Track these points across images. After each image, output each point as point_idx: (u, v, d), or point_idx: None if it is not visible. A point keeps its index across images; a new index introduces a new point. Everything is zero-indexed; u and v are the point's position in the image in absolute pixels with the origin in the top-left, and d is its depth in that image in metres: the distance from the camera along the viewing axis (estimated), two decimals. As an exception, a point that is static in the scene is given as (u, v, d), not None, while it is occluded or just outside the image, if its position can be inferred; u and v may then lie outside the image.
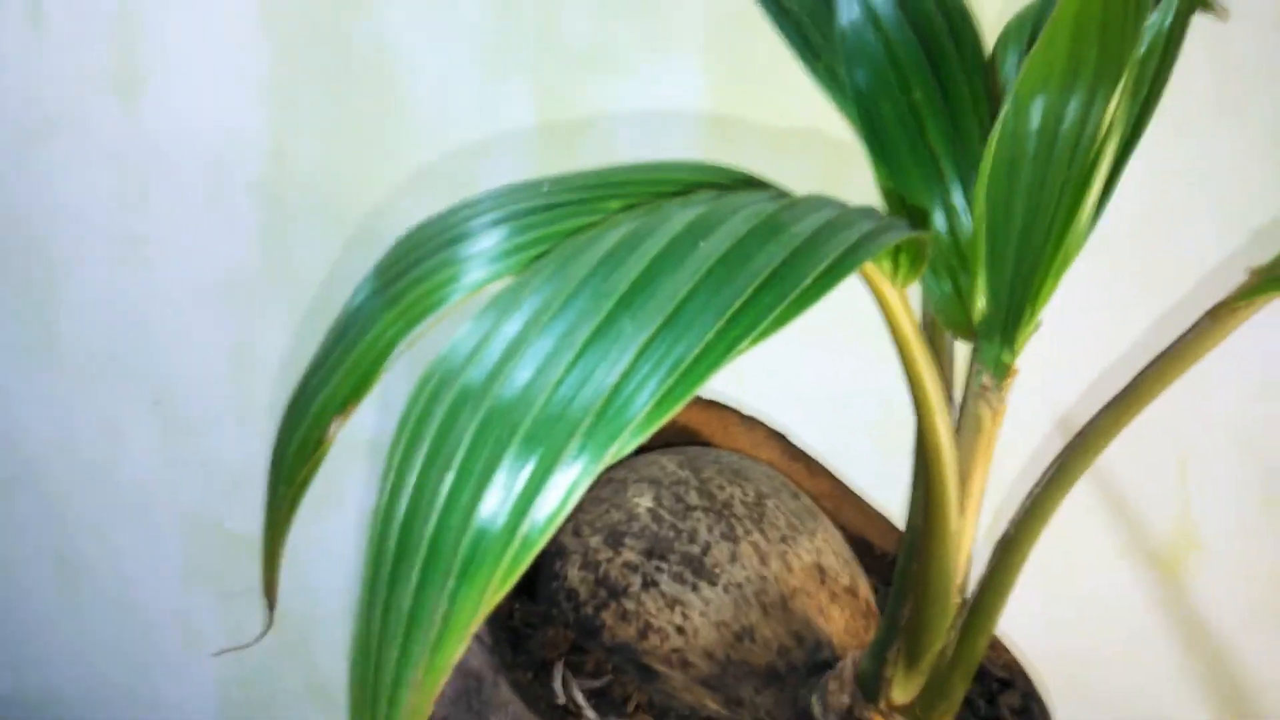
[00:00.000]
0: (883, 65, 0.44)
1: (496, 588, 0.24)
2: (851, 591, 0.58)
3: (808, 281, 0.27)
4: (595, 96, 0.67)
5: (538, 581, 0.60)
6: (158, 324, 0.75)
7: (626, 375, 0.25)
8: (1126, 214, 0.69)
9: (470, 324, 0.29)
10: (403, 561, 0.26)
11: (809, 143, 0.69)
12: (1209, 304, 0.41)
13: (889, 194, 0.45)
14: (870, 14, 0.45)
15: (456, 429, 0.27)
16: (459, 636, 0.25)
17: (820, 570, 0.57)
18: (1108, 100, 0.37)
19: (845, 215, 0.31)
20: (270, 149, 0.71)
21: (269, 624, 0.41)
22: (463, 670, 0.53)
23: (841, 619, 0.57)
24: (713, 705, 0.53)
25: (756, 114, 0.68)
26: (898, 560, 0.49)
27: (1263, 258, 0.41)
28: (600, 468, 0.24)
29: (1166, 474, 0.71)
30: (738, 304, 0.26)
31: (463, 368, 0.28)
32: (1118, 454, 0.66)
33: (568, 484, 0.24)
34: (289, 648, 0.79)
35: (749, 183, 0.37)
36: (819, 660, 0.55)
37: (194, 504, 0.79)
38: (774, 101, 0.69)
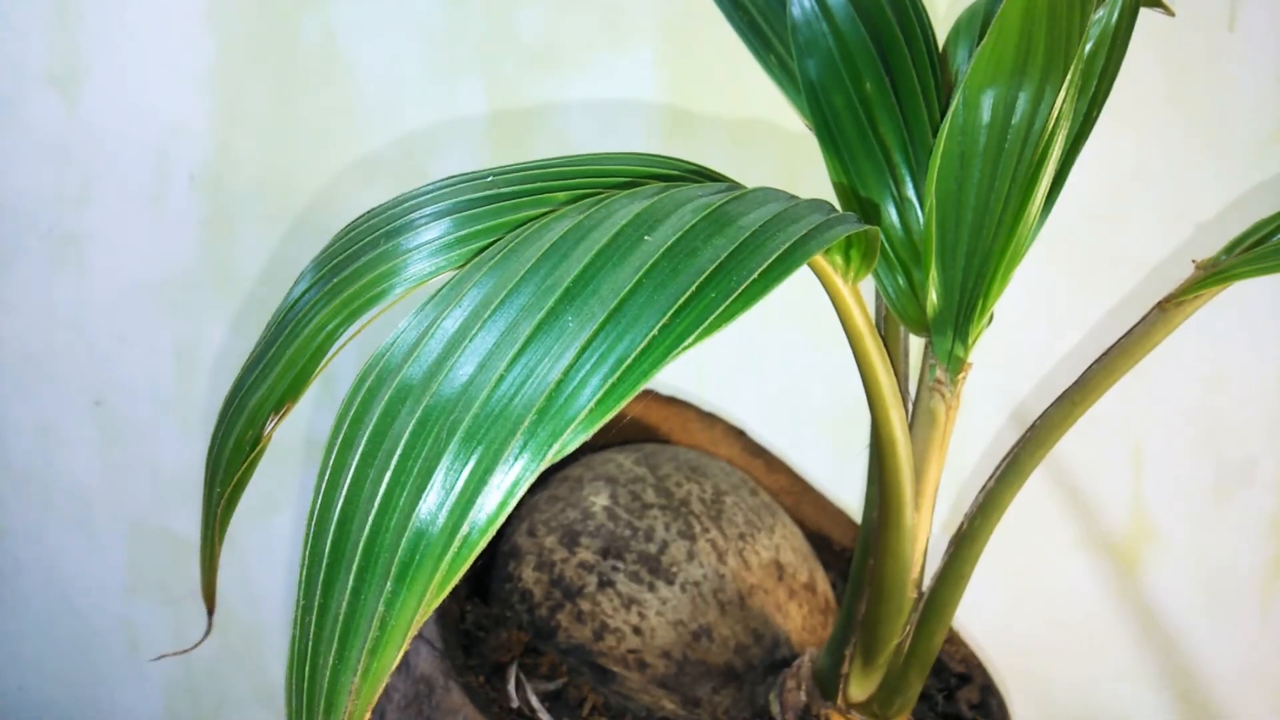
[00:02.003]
0: (834, 57, 0.44)
1: (435, 591, 0.24)
2: (810, 588, 0.58)
3: (754, 276, 0.27)
4: (547, 89, 0.66)
5: (491, 583, 0.59)
6: (97, 323, 0.73)
7: (569, 372, 0.25)
8: (1077, 208, 0.69)
9: (410, 319, 0.28)
10: (338, 563, 0.25)
11: (764, 136, 0.68)
12: (1159, 296, 0.41)
13: (841, 187, 0.44)
14: (822, 5, 0.45)
15: (395, 427, 0.26)
16: (397, 641, 0.24)
17: (779, 567, 0.57)
18: (1056, 94, 0.37)
19: (794, 208, 0.31)
20: (215, 143, 0.70)
21: (209, 629, 0.39)
22: (413, 675, 0.52)
23: (799, 615, 0.57)
24: (670, 706, 0.53)
25: (711, 107, 0.68)
26: (854, 556, 0.49)
27: (1208, 250, 0.42)
28: (542, 467, 0.24)
29: (1120, 466, 0.71)
30: (682, 299, 0.26)
31: (402, 364, 0.27)
32: (1071, 446, 0.66)
33: (509, 483, 0.24)
34: (236, 653, 0.78)
35: (700, 175, 0.37)
36: (777, 658, 0.55)
37: (137, 507, 0.77)
38: (728, 94, 0.68)
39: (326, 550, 0.25)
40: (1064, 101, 0.37)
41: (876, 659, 0.47)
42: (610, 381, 0.24)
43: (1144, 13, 0.61)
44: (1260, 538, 0.71)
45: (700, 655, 0.53)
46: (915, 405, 0.45)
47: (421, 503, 0.24)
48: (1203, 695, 0.73)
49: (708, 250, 0.27)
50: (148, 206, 0.70)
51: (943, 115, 0.46)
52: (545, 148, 0.67)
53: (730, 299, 0.26)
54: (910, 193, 0.44)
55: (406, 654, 0.54)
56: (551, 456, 0.24)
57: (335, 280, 0.32)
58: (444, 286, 0.29)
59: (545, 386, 0.25)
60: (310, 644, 0.25)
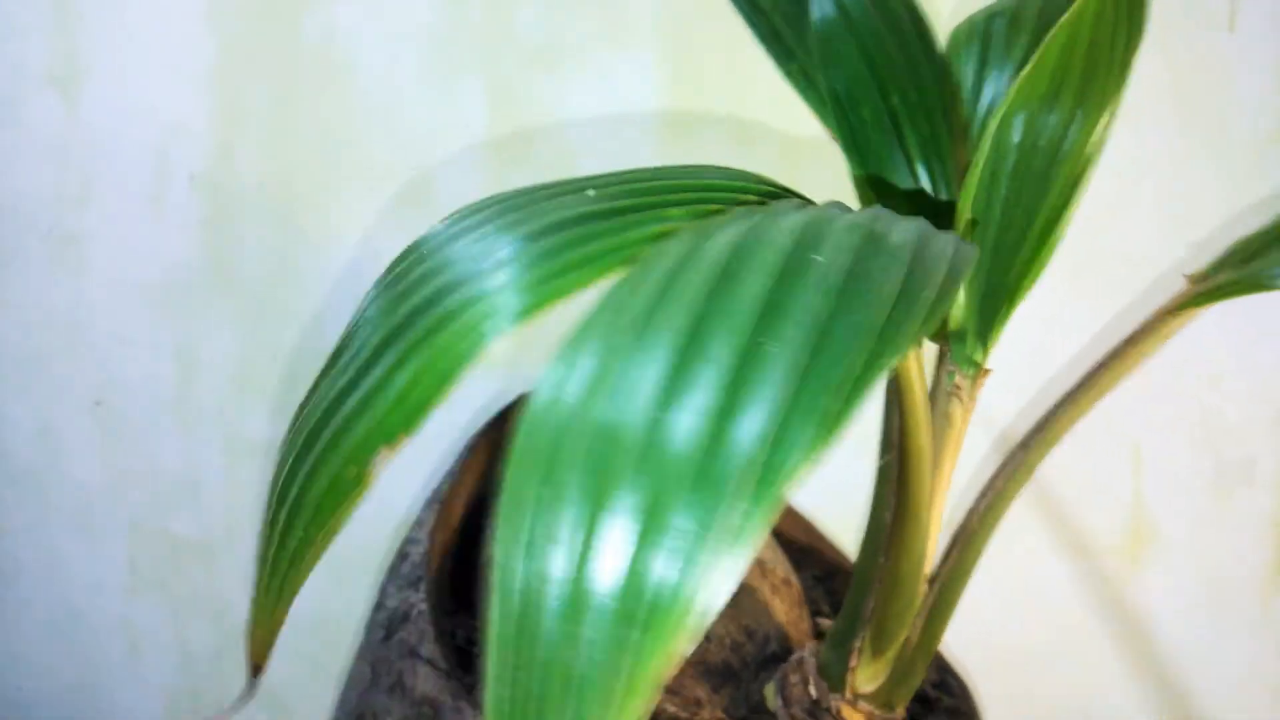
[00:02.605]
0: (861, 70, 0.45)
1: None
2: (787, 582, 0.60)
3: (934, 297, 0.27)
4: (548, 90, 0.64)
5: (474, 596, 0.56)
6: (97, 323, 0.69)
7: (795, 401, 0.24)
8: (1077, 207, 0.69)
9: (572, 359, 0.26)
10: (563, 618, 0.24)
11: (764, 136, 0.68)
12: (1152, 304, 0.45)
13: (866, 196, 0.45)
14: (845, 17, 0.45)
15: (611, 479, 0.24)
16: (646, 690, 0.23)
17: (760, 564, 0.58)
18: (1094, 122, 0.39)
19: (919, 225, 0.31)
20: (215, 143, 0.67)
21: (254, 689, 0.36)
22: (411, 698, 0.50)
23: (783, 610, 0.58)
24: (671, 709, 0.53)
25: (711, 106, 0.67)
26: (859, 554, 0.50)
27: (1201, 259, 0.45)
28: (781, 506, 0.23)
29: (1119, 466, 0.71)
30: (882, 322, 0.26)
31: (587, 410, 0.25)
32: (1070, 446, 0.66)
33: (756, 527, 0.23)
34: (237, 654, 0.74)
35: (778, 189, 0.37)
36: (768, 654, 0.56)
37: (137, 507, 0.73)
38: (728, 94, 0.67)
39: (552, 605, 0.24)
40: (1103, 128, 0.40)
41: (886, 651, 0.48)
42: (837, 407, 0.24)
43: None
44: (1260, 537, 0.71)
45: (699, 656, 0.53)
46: (933, 409, 0.47)
47: (653, 560, 0.23)
48: (1202, 695, 0.73)
49: (878, 273, 0.27)
50: (148, 206, 0.66)
51: (949, 129, 0.48)
52: (546, 147, 0.65)
53: (917, 319, 0.26)
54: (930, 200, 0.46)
55: (400, 675, 0.51)
56: (787, 493, 0.23)
57: (448, 302, 0.30)
58: (599, 314, 0.27)
59: (775, 417, 0.24)
60: (532, 704, 0.24)
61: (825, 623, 0.64)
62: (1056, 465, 0.69)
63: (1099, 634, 0.74)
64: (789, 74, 0.47)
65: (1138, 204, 0.69)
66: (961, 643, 0.68)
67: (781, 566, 0.60)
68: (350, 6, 0.65)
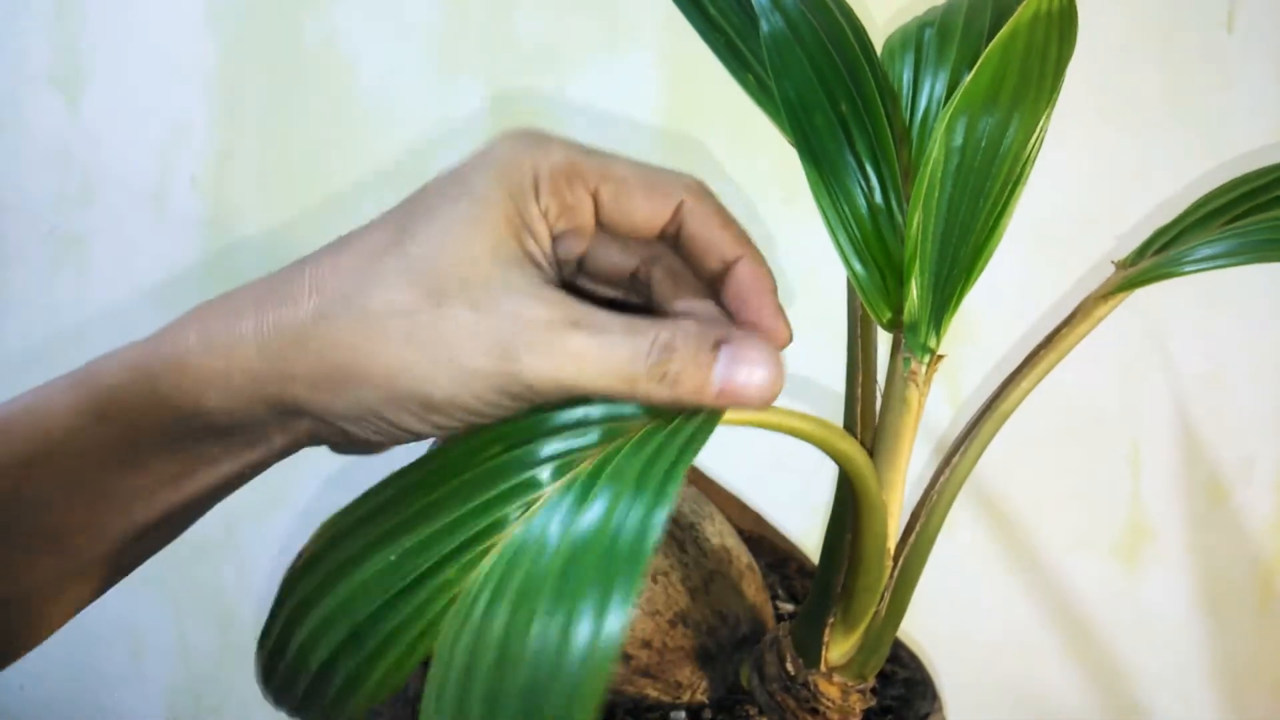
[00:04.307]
0: (812, 80, 0.48)
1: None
2: (751, 568, 0.62)
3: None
4: (548, 92, 0.65)
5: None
6: (98, 326, 0.68)
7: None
8: (1078, 208, 0.71)
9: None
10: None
11: (764, 135, 0.69)
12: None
13: (821, 197, 0.48)
14: (794, 31, 0.48)
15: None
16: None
17: (727, 551, 0.61)
18: (1033, 124, 0.43)
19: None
20: (216, 143, 0.67)
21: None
22: (404, 698, 0.51)
23: (749, 594, 0.61)
24: (654, 693, 0.55)
25: (711, 105, 0.68)
26: (827, 533, 0.53)
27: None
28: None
29: (1118, 465, 0.71)
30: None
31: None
32: (1069, 445, 0.67)
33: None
34: (238, 654, 0.75)
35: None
36: (739, 636, 0.58)
37: None
38: (728, 93, 0.68)
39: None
40: (1038, 132, 0.43)
41: (857, 625, 0.52)
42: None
43: (1143, 13, 0.63)
44: (1258, 537, 0.70)
45: (678, 642, 0.56)
46: (890, 394, 0.50)
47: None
48: (1200, 695, 0.73)
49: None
50: (149, 207, 0.66)
51: (893, 132, 0.51)
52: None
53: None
54: (879, 200, 0.49)
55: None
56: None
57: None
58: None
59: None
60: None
61: (785, 606, 0.67)
62: (1056, 464, 0.72)
63: (1097, 633, 0.73)
64: (745, 84, 0.50)
65: (1137, 204, 0.69)
66: (959, 642, 0.70)
67: (745, 554, 0.63)
68: (350, 6, 0.66)
